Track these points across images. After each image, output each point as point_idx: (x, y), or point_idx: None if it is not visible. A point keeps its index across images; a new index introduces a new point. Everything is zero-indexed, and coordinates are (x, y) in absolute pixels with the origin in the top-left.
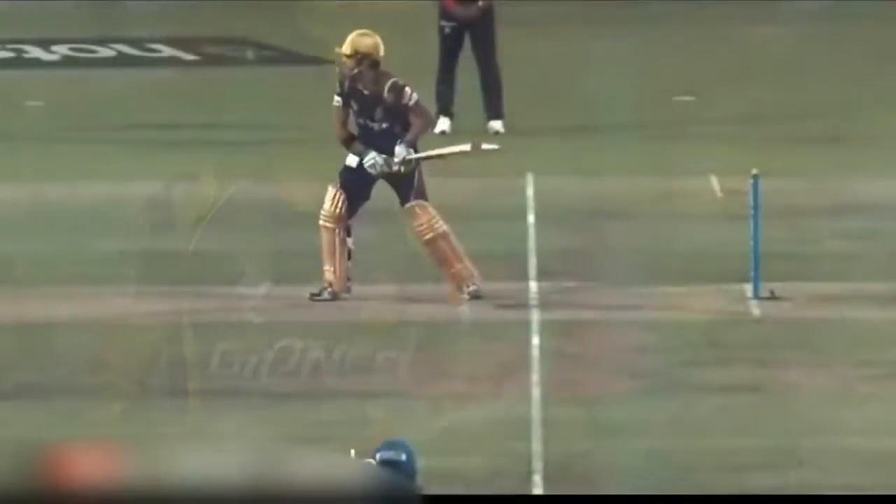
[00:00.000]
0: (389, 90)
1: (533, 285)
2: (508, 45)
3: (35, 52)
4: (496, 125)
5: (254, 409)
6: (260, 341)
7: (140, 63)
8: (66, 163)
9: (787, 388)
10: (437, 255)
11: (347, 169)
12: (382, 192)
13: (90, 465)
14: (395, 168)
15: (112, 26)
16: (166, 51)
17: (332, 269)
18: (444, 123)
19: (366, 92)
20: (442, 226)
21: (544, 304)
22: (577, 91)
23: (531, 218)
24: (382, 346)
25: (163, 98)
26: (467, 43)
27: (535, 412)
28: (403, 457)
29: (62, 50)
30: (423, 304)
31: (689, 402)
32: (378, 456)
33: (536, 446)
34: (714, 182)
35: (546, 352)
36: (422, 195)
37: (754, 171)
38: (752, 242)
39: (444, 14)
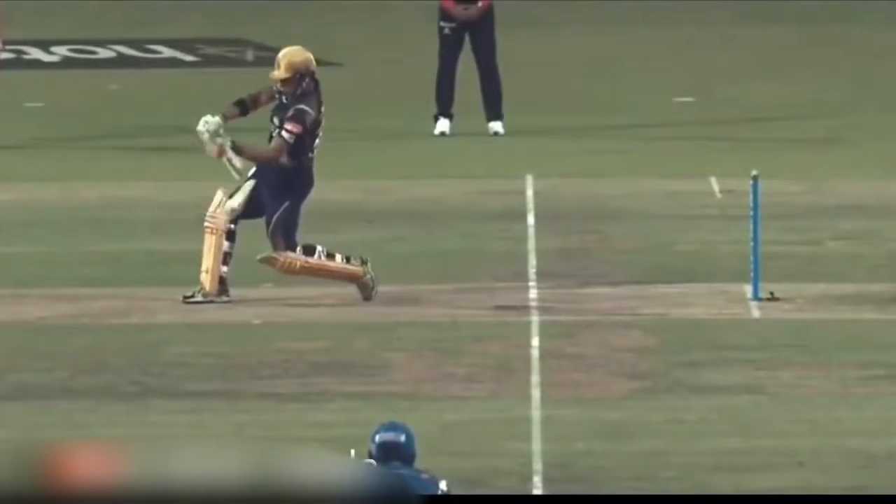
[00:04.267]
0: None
1: (533, 286)
2: (508, 45)
3: (35, 52)
4: (496, 126)
5: (254, 410)
6: (259, 342)
7: (140, 64)
8: (66, 164)
9: (786, 388)
10: (315, 278)
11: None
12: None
13: (90, 465)
14: (205, 136)
15: (112, 27)
16: (166, 52)
17: (204, 270)
18: (443, 124)
19: (285, 100)
20: (295, 262)
21: (544, 305)
22: (577, 91)
23: (531, 218)
24: (382, 346)
25: (162, 99)
26: (467, 43)
27: (535, 412)
28: (402, 438)
29: (62, 50)
30: (423, 305)
31: (689, 403)
32: (377, 438)
33: (536, 446)
34: (714, 182)
35: (546, 352)
36: (279, 243)
37: (754, 172)
38: (752, 243)
39: (444, 15)
